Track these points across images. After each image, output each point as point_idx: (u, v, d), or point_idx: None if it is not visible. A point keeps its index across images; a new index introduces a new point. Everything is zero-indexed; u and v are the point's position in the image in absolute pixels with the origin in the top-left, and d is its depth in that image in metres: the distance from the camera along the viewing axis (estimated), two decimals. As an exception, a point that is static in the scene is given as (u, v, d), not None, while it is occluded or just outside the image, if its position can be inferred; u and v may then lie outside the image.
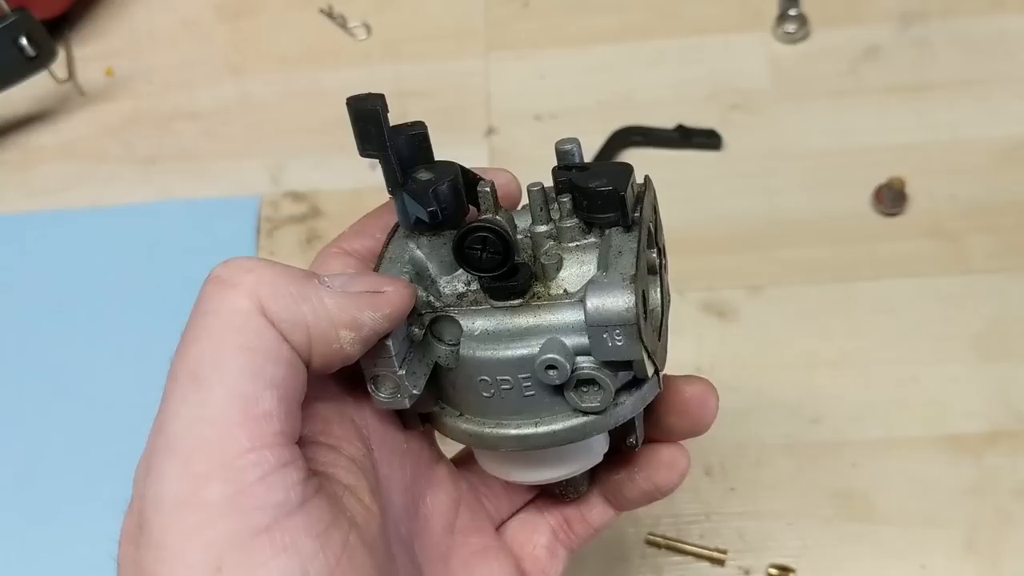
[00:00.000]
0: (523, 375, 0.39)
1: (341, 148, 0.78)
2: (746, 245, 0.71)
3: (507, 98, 0.80)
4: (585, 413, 0.39)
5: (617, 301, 0.36)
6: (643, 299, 0.38)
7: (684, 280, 0.70)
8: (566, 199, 0.40)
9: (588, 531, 0.48)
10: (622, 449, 0.44)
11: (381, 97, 0.38)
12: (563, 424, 0.39)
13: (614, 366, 0.38)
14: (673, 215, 0.74)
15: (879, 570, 0.59)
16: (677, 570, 0.60)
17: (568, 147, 0.41)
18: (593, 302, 0.37)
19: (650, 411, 0.44)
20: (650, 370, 0.39)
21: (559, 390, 0.39)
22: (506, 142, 0.78)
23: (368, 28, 0.84)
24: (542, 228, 0.40)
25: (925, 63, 0.79)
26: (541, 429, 0.40)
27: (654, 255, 0.43)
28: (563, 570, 0.48)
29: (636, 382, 0.40)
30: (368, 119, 0.38)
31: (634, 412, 0.40)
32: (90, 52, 0.85)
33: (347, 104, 0.38)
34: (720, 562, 0.59)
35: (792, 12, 0.80)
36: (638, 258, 0.38)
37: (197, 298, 0.35)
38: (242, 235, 0.75)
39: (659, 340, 0.41)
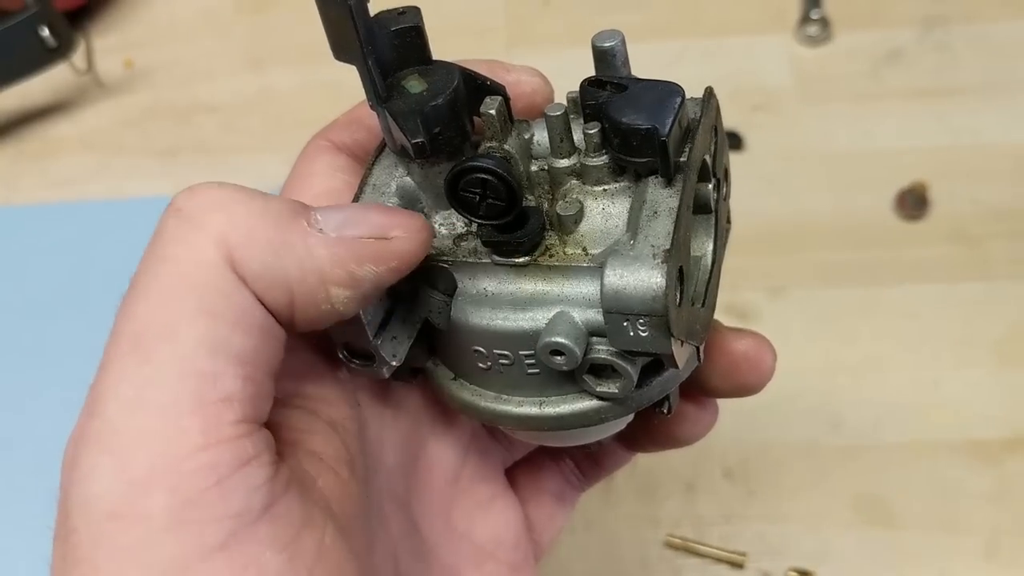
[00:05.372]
0: (525, 352, 0.32)
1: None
2: (768, 247, 0.71)
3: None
4: (601, 399, 0.33)
5: (642, 284, 0.29)
6: (680, 276, 0.31)
7: (705, 281, 0.69)
8: (594, 130, 0.32)
9: (600, 474, 0.45)
10: (651, 416, 0.38)
11: None
12: (572, 407, 0.33)
13: (638, 355, 0.32)
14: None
15: (899, 575, 0.59)
16: (696, 573, 0.59)
17: (608, 44, 0.33)
18: (612, 281, 0.30)
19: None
20: (683, 359, 0.33)
21: (569, 371, 0.32)
22: (526, 140, 0.77)
23: (389, 24, 0.84)
24: (563, 163, 0.33)
25: (947, 67, 0.79)
26: (547, 411, 0.33)
27: (709, 188, 0.35)
28: (570, 514, 0.45)
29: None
30: (337, 13, 0.30)
31: (664, 393, 0.34)
32: (109, 43, 0.85)
33: None
34: (740, 565, 0.59)
35: (814, 15, 0.80)
36: (677, 224, 0.30)
37: (155, 230, 0.29)
38: (261, 229, 0.74)
39: (702, 305, 0.34)
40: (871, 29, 0.81)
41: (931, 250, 0.70)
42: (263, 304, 0.29)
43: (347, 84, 0.81)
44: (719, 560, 0.59)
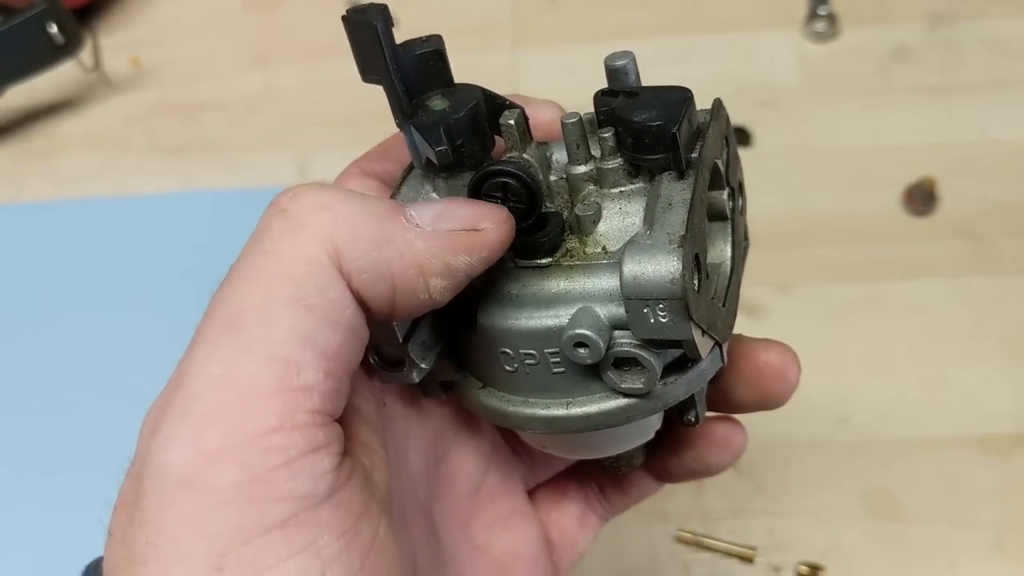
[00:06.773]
0: (550, 350, 0.33)
1: (368, 140, 0.78)
2: (776, 243, 0.71)
3: (535, 92, 0.79)
4: (626, 395, 0.34)
5: (660, 269, 0.30)
6: (697, 263, 0.32)
7: (712, 277, 0.69)
8: (608, 134, 0.33)
9: (624, 502, 0.44)
10: (678, 425, 0.38)
11: (383, 9, 0.31)
12: (599, 406, 0.34)
13: (659, 343, 0.32)
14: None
15: (907, 570, 0.59)
16: (706, 567, 0.59)
17: (620, 63, 0.34)
18: (631, 268, 0.30)
19: (715, 379, 0.38)
20: (705, 349, 0.33)
21: (594, 368, 0.33)
22: (533, 137, 0.77)
23: (395, 21, 0.84)
24: (580, 169, 0.34)
25: (954, 64, 0.79)
26: (573, 411, 0.34)
27: (723, 197, 0.36)
28: (592, 540, 0.45)
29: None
30: (365, 37, 0.31)
31: (689, 392, 0.35)
32: (116, 41, 0.85)
33: (342, 20, 0.32)
34: (749, 559, 0.59)
35: (821, 11, 0.80)
36: (691, 213, 0.31)
37: (256, 228, 0.30)
38: (268, 226, 0.75)
39: (722, 305, 0.35)
40: (878, 25, 0.81)
41: (939, 246, 0.70)
42: (362, 298, 0.30)
43: (351, 83, 0.81)
44: (729, 554, 0.59)
